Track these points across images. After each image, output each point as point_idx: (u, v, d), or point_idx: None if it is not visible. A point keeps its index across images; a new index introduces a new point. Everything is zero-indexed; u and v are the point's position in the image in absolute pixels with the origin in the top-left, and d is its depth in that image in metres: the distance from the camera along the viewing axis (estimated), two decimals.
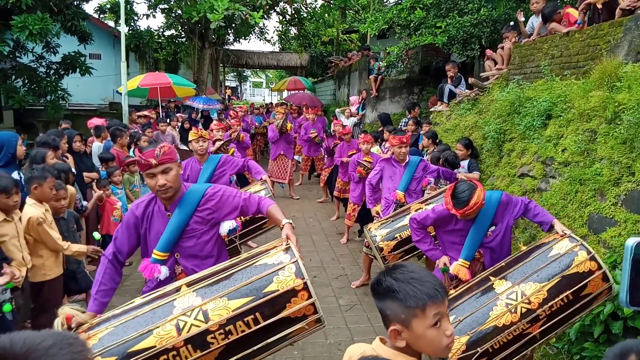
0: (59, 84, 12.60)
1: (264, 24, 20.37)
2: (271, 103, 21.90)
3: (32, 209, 3.49)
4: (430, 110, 8.45)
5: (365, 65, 12.42)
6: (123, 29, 11.19)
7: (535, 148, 4.94)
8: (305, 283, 2.09)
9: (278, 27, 21.66)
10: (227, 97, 26.18)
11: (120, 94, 10.51)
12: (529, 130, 5.13)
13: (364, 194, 6.34)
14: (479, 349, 2.44)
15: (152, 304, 2.08)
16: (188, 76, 16.68)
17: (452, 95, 7.63)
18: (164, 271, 2.44)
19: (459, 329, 2.49)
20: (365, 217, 6.12)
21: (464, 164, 5.55)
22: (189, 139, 4.54)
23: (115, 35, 16.75)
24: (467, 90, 7.35)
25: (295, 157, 9.93)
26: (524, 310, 2.54)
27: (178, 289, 2.14)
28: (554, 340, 3.66)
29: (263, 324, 2.04)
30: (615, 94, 4.07)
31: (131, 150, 7.14)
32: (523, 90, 5.58)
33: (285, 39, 23.28)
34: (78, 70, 12.99)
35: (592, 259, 2.65)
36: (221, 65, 22.11)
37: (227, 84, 32.05)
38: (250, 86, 50.47)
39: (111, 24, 17.95)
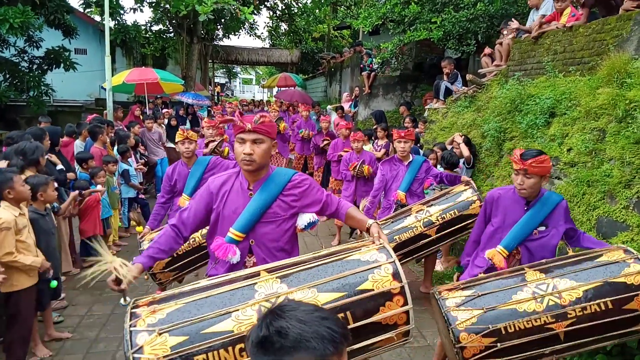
0: (42, 79, 12.21)
1: (254, 20, 20.05)
2: (261, 100, 21.58)
3: (4, 212, 3.20)
4: (426, 107, 8.23)
5: (358, 62, 12.18)
6: (107, 22, 10.81)
7: (538, 147, 4.72)
8: (402, 287, 1.90)
9: (268, 22, 21.42)
10: (216, 93, 25.78)
11: (106, 89, 10.16)
12: (532, 129, 4.93)
13: (355, 193, 6.13)
14: (490, 325, 2.27)
15: (228, 285, 1.86)
16: (176, 72, 16.31)
17: (448, 92, 7.42)
18: (238, 254, 2.23)
19: (475, 302, 2.35)
20: None
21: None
22: (175, 140, 4.25)
23: (101, 30, 16.28)
24: (463, 87, 7.13)
25: (290, 155, 9.68)
26: (551, 303, 2.31)
27: (257, 274, 1.92)
28: None
29: (352, 325, 1.82)
30: (626, 91, 3.87)
31: (115, 148, 6.82)
32: (524, 87, 5.37)
33: (275, 35, 23.01)
34: (62, 65, 12.61)
35: None
36: (210, 61, 21.71)
37: (216, 80, 31.61)
38: (240, 83, 49.99)
39: (97, 18, 17.50)
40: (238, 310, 1.75)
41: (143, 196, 7.08)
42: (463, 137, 5.66)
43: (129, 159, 6.71)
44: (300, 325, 1.03)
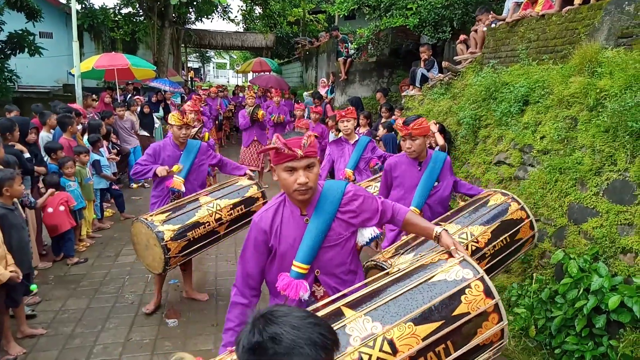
0: (6, 65, 11.71)
1: (227, 3, 19.61)
2: (237, 86, 21.26)
3: None
4: (402, 94, 8.26)
5: (334, 47, 12.09)
6: (74, 5, 10.39)
7: (512, 135, 4.82)
8: (496, 304, 1.83)
9: (242, 5, 20.96)
10: (189, 79, 25.26)
11: (74, 75, 9.81)
12: (506, 117, 5.00)
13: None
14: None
15: None
16: (147, 57, 15.87)
17: (424, 79, 7.45)
18: (308, 289, 2.03)
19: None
20: None
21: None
22: (171, 122, 4.10)
23: (67, 13, 15.69)
24: (440, 74, 7.18)
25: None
26: (473, 248, 2.81)
27: (339, 312, 1.74)
28: (534, 333, 3.59)
29: (454, 355, 1.73)
30: (597, 80, 3.95)
31: (85, 138, 6.62)
32: (499, 74, 5.44)
33: (249, 19, 22.55)
34: (26, 50, 12.10)
35: (522, 209, 3.08)
36: (183, 45, 21.21)
37: (189, 65, 30.95)
38: (213, 67, 49.11)
39: (63, 0, 16.83)
40: None
41: (117, 187, 6.92)
42: (438, 125, 5.70)
43: (101, 149, 6.53)
44: (294, 332, 1.03)
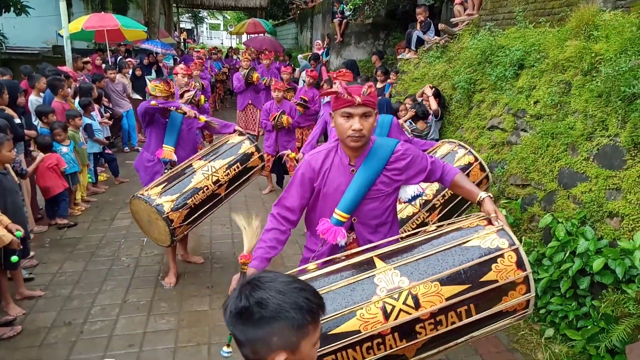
0: None
1: None
2: (231, 47, 20.83)
3: None
4: (398, 57, 8.14)
5: (329, 8, 11.81)
6: None
7: (507, 100, 4.79)
8: (526, 277, 1.85)
9: None
10: (182, 40, 24.70)
11: (62, 36, 9.56)
12: (500, 81, 4.96)
13: (277, 143, 6.06)
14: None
15: (346, 277, 1.77)
16: (138, 17, 15.42)
17: (420, 42, 7.33)
18: (346, 236, 2.10)
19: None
20: (279, 165, 6.18)
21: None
22: (156, 94, 3.87)
23: None
24: (436, 37, 7.05)
25: None
26: (422, 201, 3.31)
27: (370, 262, 1.83)
28: None
29: (475, 317, 1.80)
30: (593, 44, 3.91)
31: (76, 101, 6.53)
32: (495, 37, 5.36)
33: None
34: (12, 9, 11.74)
35: (469, 153, 3.54)
36: (174, 5, 20.62)
37: (181, 26, 30.18)
38: (207, 29, 47.92)
39: None
40: (362, 308, 1.69)
41: (110, 151, 6.89)
42: (433, 89, 5.66)
43: (92, 113, 6.46)
44: (280, 296, 1.06)
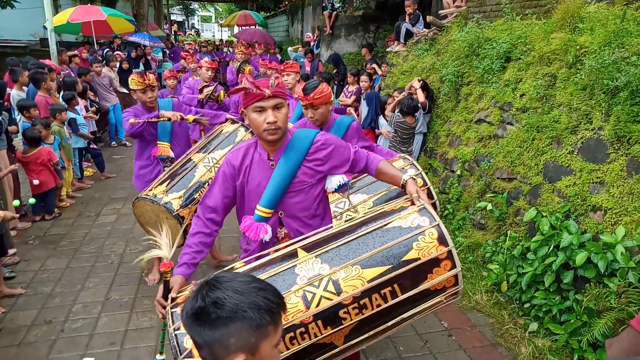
0: None
1: None
2: (221, 40, 20.65)
3: None
4: (387, 50, 8.09)
5: (320, 0, 11.71)
6: None
7: (493, 93, 4.77)
8: (449, 251, 1.84)
9: None
10: (173, 32, 24.47)
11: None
12: (488, 74, 4.93)
13: None
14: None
15: (267, 270, 1.75)
16: (127, 10, 15.25)
17: (409, 34, 7.27)
18: (269, 231, 2.10)
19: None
20: None
21: None
22: (132, 87, 3.77)
23: None
24: (424, 30, 7.00)
25: None
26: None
27: (294, 254, 1.82)
28: (506, 288, 3.69)
29: (401, 297, 1.78)
30: (577, 37, 3.88)
31: (60, 95, 6.44)
32: (482, 30, 5.32)
33: None
34: None
35: (420, 176, 3.06)
36: None
37: (172, 18, 29.87)
38: (198, 21, 47.51)
39: None
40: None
41: (95, 146, 6.81)
42: (421, 82, 5.63)
43: (76, 107, 6.37)
44: (237, 296, 1.03)
